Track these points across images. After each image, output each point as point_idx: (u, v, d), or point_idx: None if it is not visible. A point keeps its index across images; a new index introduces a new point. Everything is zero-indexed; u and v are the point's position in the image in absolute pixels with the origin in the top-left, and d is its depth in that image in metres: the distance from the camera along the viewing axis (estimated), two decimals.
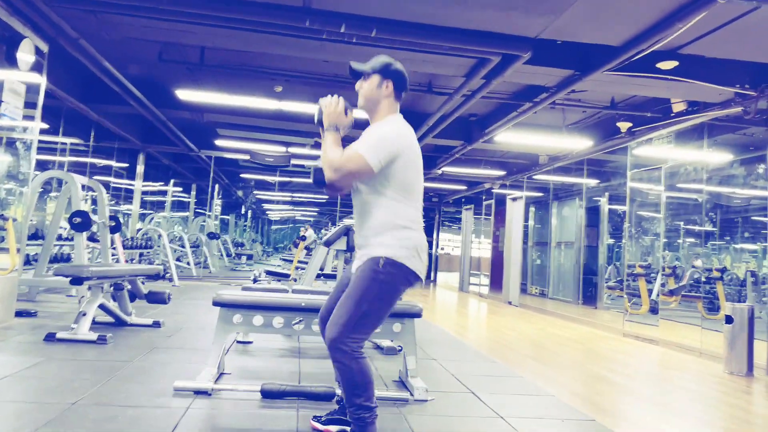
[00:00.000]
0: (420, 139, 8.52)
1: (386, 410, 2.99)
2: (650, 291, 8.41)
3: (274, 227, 38.68)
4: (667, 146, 7.29)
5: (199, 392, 3.06)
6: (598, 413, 3.31)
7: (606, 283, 11.58)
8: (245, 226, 28.21)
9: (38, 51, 5.02)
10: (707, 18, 4.11)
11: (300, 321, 3.52)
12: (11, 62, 4.62)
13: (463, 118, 8.35)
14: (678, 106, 6.58)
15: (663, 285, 8.97)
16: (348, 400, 2.20)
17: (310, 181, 2.37)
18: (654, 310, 8.21)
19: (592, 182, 10.86)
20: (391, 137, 2.22)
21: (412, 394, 3.31)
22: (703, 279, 7.40)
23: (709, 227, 7.74)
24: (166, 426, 2.47)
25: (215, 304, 3.34)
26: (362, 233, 2.33)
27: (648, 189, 8.09)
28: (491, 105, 7.82)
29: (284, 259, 14.18)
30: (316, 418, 2.64)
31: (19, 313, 5.11)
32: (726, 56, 5.17)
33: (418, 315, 3.55)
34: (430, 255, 21.65)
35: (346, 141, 2.27)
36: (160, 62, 6.16)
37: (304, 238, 11.80)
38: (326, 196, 20.87)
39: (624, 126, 7.38)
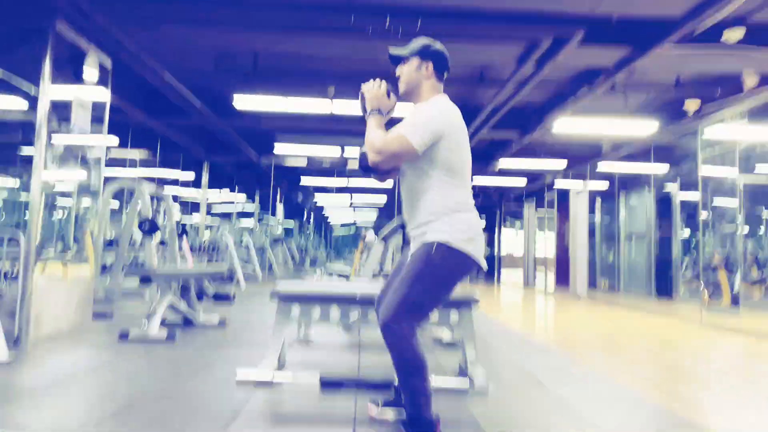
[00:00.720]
0: (474, 133, 8.40)
1: (446, 400, 2.93)
2: (731, 284, 7.91)
3: (336, 233, 39.19)
4: (740, 125, 6.83)
5: (260, 383, 3.11)
6: (674, 402, 3.12)
7: (682, 275, 11.01)
8: (308, 232, 28.77)
9: (102, 67, 5.30)
10: None
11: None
12: (78, 79, 4.89)
13: (518, 108, 8.15)
14: (750, 81, 6.16)
15: (745, 275, 8.43)
16: (402, 384, 2.17)
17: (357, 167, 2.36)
18: (736, 302, 7.71)
19: (661, 169, 10.36)
20: (434, 116, 2.17)
21: (472, 384, 3.23)
22: None
23: None
24: (229, 415, 2.52)
25: (273, 295, 3.39)
26: (414, 221, 2.29)
27: (722, 174, 7.60)
28: (547, 93, 7.59)
29: (347, 264, 14.33)
30: (374, 402, 2.63)
31: (96, 315, 5.39)
32: None
33: (475, 302, 3.47)
34: (492, 255, 21.30)
35: (390, 126, 2.25)
36: (217, 72, 6.38)
37: (363, 238, 11.86)
38: (383, 202, 20.96)
39: (692, 105, 6.98)
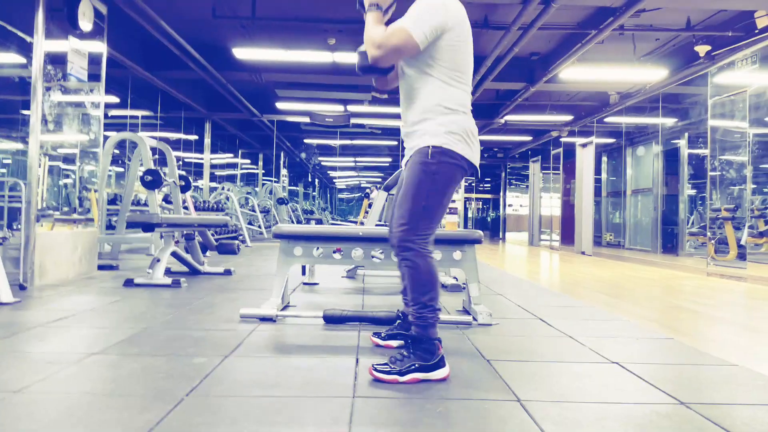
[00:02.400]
0: (478, 84, 8.24)
1: (449, 332, 2.93)
2: (738, 239, 7.85)
3: (341, 196, 39.16)
4: (751, 68, 6.65)
5: (264, 319, 3.13)
6: (676, 335, 3.11)
7: (688, 230, 10.94)
8: (314, 195, 28.75)
9: (98, 13, 5.18)
10: None
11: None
12: (73, 24, 4.79)
13: (524, 57, 7.99)
14: (762, 21, 5.97)
15: (752, 228, 8.36)
16: (413, 299, 2.15)
17: (357, 69, 2.26)
18: (742, 256, 7.68)
19: (669, 122, 10.19)
20: (437, 9, 2.07)
21: (475, 319, 3.23)
22: None
23: None
24: (231, 344, 2.53)
25: (275, 236, 3.38)
26: (407, 119, 2.22)
27: (732, 126, 7.45)
28: (553, 40, 7.41)
29: (352, 221, 14.34)
30: (377, 335, 2.63)
31: (102, 267, 5.41)
32: None
33: (478, 241, 3.44)
34: (498, 215, 21.22)
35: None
36: (215, 19, 6.24)
37: (368, 196, 11.83)
38: (388, 160, 20.81)
39: (702, 49, 6.80)
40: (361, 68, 2.19)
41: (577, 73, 7.69)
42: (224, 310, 3.44)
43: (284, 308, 3.48)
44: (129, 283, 4.39)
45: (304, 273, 4.87)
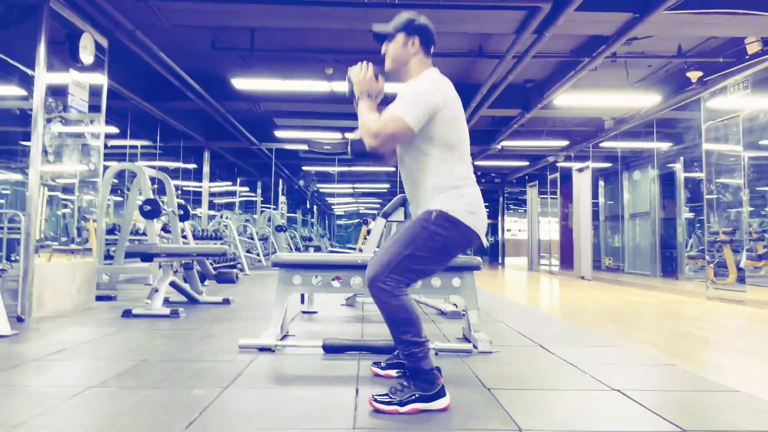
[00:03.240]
0: (474, 111, 8.34)
1: (449, 360, 2.92)
2: (737, 262, 7.85)
3: (339, 222, 39.18)
4: (743, 93, 6.75)
5: (263, 349, 3.11)
6: (677, 360, 3.10)
7: (687, 253, 10.93)
8: (312, 222, 28.76)
9: (99, 47, 5.27)
10: None
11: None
12: (74, 58, 4.86)
13: (519, 84, 8.10)
14: (753, 47, 6.09)
15: (750, 251, 8.38)
16: (396, 339, 2.13)
17: (349, 156, 2.32)
18: (741, 279, 7.67)
19: (664, 146, 10.28)
20: (426, 92, 2.10)
21: (475, 347, 3.22)
22: None
23: None
24: (230, 375, 2.51)
25: (274, 265, 3.38)
26: (415, 200, 2.25)
27: (726, 149, 7.53)
28: (548, 67, 7.53)
29: (351, 248, 14.33)
30: (376, 364, 2.62)
31: (100, 298, 5.39)
32: None
33: (477, 267, 3.44)
34: (497, 240, 21.21)
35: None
36: (214, 51, 6.34)
37: (367, 223, 11.85)
38: (386, 186, 20.90)
39: (694, 75, 6.90)
40: (356, 154, 2.22)
41: (571, 100, 7.80)
42: (223, 340, 3.43)
43: (283, 338, 3.46)
44: (127, 313, 4.37)
45: (303, 301, 4.86)
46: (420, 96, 2.09)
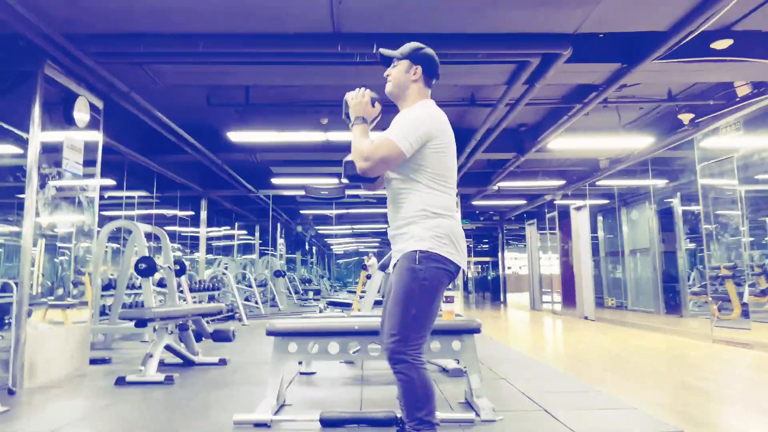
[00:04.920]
0: (470, 155, 8.37)
1: (451, 431, 2.82)
2: (740, 294, 7.78)
3: (339, 261, 39.03)
4: (736, 134, 6.80)
5: (258, 424, 3.01)
6: (687, 424, 3.00)
7: (690, 289, 10.84)
8: (311, 263, 28.61)
9: (94, 108, 5.30)
10: None
11: (358, 350, 3.42)
12: (69, 121, 4.89)
13: (513, 129, 8.16)
14: (742, 90, 6.14)
15: (753, 285, 8.30)
16: (409, 414, 2.07)
17: (345, 181, 2.31)
18: (746, 314, 7.57)
19: (661, 183, 10.31)
20: (421, 120, 2.14)
21: (478, 414, 3.12)
22: None
23: None
24: None
25: (269, 333, 3.31)
26: (393, 223, 2.25)
27: (722, 184, 7.55)
28: (540, 112, 7.60)
29: (351, 292, 14.19)
30: None
31: (94, 361, 5.27)
32: None
33: (476, 330, 3.38)
34: (497, 277, 21.06)
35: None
36: (210, 107, 6.39)
37: (366, 268, 11.76)
38: (384, 226, 20.90)
39: (686, 118, 6.95)
40: (349, 177, 2.23)
41: (565, 143, 7.84)
42: (218, 411, 3.32)
43: (280, 409, 3.36)
44: (121, 381, 4.26)
45: (300, 362, 4.75)
46: (414, 122, 2.13)
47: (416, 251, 2.10)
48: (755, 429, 2.92)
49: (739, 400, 3.65)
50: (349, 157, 2.23)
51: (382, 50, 2.36)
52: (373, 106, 2.26)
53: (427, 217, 2.14)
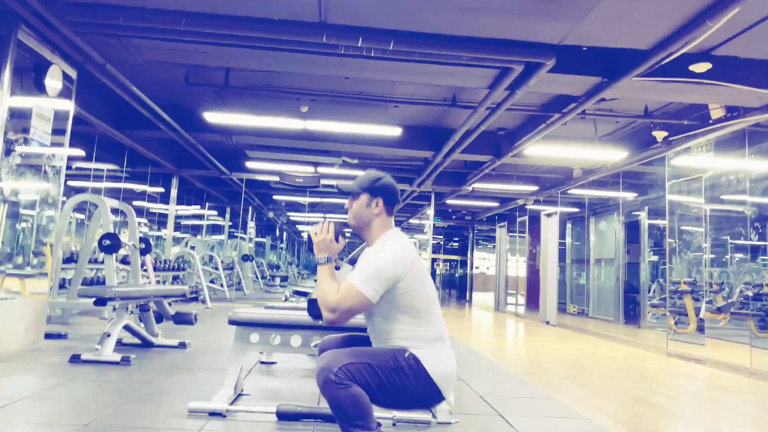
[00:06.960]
0: (447, 155, 8.40)
1: None
2: (697, 310, 8.01)
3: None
4: (706, 155, 6.97)
5: (213, 414, 2.98)
6: None
7: (649, 300, 11.12)
8: (281, 248, 28.43)
9: (67, 77, 5.15)
10: (740, 15, 3.90)
11: (317, 345, 3.41)
12: (40, 88, 4.73)
13: (491, 132, 8.21)
14: (716, 113, 6.29)
15: (710, 302, 8.55)
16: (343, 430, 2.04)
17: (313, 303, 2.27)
18: (701, 329, 7.80)
19: (630, 196, 10.52)
20: (387, 263, 2.07)
21: (434, 416, 3.14)
22: (751, 295, 6.99)
23: (756, 241, 7.33)
24: None
25: (231, 322, 3.27)
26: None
27: (689, 201, 7.75)
28: (519, 118, 7.66)
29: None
30: None
31: (50, 335, 5.15)
32: (763, 57, 4.92)
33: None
34: (465, 274, 21.26)
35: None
36: (187, 86, 6.26)
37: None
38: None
39: (660, 135, 7.09)
40: (313, 316, 2.19)
41: (541, 150, 7.93)
42: (174, 399, 3.27)
43: (237, 398, 3.33)
44: (76, 359, 4.17)
45: (261, 352, 4.72)
46: (379, 267, 2.06)
47: (408, 349, 2.09)
48: None
49: (688, 417, 3.76)
50: (313, 296, 2.19)
51: (339, 183, 2.31)
52: (338, 241, 2.20)
53: (420, 344, 2.11)
